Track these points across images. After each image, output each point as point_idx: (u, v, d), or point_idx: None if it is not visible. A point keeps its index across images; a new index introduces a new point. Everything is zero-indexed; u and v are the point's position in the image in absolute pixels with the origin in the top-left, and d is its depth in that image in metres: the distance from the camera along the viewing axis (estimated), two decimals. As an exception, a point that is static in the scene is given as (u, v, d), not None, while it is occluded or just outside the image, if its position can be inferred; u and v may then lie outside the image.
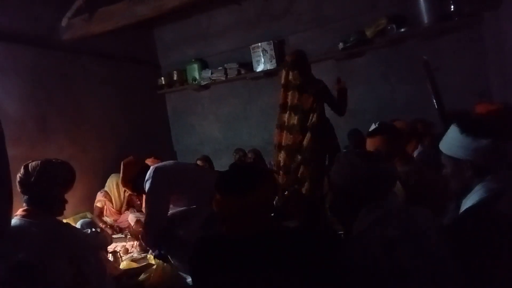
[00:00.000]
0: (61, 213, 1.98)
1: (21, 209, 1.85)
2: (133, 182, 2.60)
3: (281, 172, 2.96)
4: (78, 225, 2.53)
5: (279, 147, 2.99)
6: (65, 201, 1.99)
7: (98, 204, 3.92)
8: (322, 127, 2.91)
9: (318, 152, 2.88)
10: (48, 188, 1.87)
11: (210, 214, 2.42)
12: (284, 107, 2.98)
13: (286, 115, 2.95)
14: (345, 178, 1.32)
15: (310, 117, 2.85)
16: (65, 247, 1.84)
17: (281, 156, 2.95)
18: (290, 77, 2.92)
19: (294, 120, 2.88)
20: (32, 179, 1.83)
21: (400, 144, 2.10)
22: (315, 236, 1.25)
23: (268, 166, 4.06)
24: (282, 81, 2.97)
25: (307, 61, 3.06)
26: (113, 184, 3.94)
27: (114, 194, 3.94)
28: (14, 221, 1.78)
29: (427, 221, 1.27)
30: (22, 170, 1.86)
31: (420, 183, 1.88)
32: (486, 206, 1.27)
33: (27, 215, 1.81)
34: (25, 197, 1.86)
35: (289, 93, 2.94)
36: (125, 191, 3.97)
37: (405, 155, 2.13)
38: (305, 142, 2.86)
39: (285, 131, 2.95)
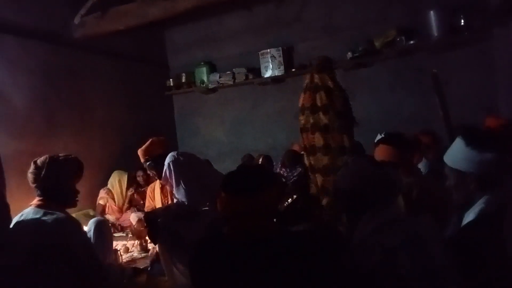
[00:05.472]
0: (74, 204, 2.08)
1: (36, 199, 1.96)
2: (152, 159, 2.70)
3: (318, 174, 2.86)
4: (90, 225, 2.47)
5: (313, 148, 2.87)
6: (77, 192, 2.08)
7: (101, 202, 3.94)
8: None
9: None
10: (57, 180, 1.98)
11: (216, 215, 2.41)
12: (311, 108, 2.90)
13: (316, 116, 2.85)
14: (351, 182, 1.32)
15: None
16: (66, 243, 1.87)
17: (316, 158, 2.84)
18: (317, 79, 2.88)
19: (326, 120, 2.78)
20: (42, 174, 1.94)
21: (409, 155, 2.09)
22: (317, 240, 1.25)
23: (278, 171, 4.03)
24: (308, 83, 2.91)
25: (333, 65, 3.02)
26: (115, 180, 3.96)
27: (116, 190, 3.96)
28: (28, 210, 1.91)
29: (428, 230, 1.26)
30: (32, 166, 1.99)
31: (423, 195, 1.87)
32: (488, 219, 1.27)
33: (41, 205, 1.92)
34: (38, 191, 1.97)
35: (317, 95, 2.89)
36: (127, 188, 3.99)
37: (410, 166, 2.12)
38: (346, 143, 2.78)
39: (318, 132, 2.84)
